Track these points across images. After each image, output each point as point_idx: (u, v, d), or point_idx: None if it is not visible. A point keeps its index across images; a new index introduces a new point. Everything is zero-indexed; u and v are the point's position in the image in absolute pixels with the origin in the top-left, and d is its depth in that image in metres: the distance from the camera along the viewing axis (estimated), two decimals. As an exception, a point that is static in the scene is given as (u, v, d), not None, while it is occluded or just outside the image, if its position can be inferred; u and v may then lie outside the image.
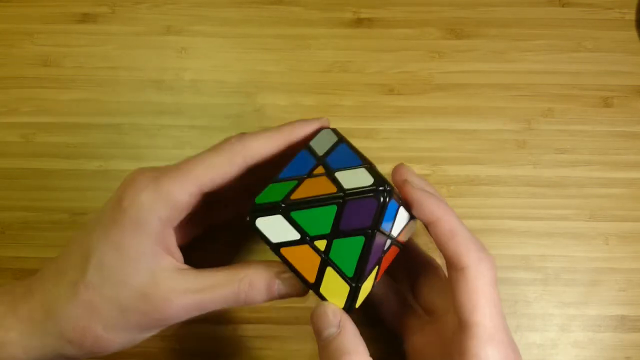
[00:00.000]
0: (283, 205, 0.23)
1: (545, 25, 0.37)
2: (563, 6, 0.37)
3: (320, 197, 0.23)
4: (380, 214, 0.23)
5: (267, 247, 0.24)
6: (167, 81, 0.36)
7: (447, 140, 0.35)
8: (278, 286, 0.24)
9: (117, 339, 0.24)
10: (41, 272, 0.25)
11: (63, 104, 0.36)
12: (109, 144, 0.35)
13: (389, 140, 0.35)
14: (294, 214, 0.23)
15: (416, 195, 0.24)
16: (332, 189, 0.23)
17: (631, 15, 0.37)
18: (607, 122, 0.35)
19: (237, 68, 0.36)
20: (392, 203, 0.23)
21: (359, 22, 0.37)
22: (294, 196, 0.24)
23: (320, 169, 0.24)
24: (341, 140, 0.25)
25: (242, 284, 0.24)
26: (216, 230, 0.32)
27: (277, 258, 0.24)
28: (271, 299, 0.24)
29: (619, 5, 0.37)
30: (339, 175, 0.24)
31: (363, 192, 0.23)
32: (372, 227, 0.23)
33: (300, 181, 0.24)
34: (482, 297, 0.23)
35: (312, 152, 0.25)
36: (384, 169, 0.34)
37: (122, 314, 0.23)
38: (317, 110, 0.36)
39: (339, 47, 0.37)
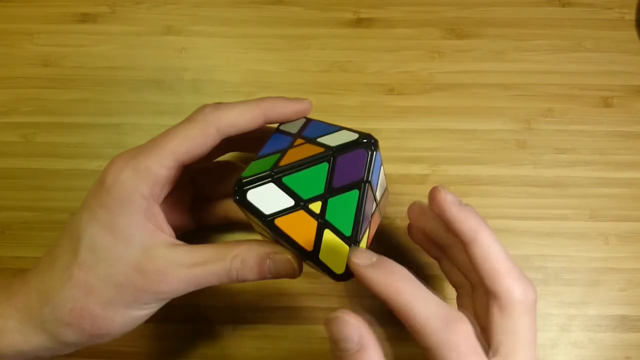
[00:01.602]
0: (274, 172, 0.23)
1: (545, 25, 0.37)
2: (563, 6, 0.37)
3: (310, 158, 0.23)
4: (370, 164, 0.23)
5: (256, 233, 0.24)
6: (167, 81, 0.36)
7: (447, 140, 0.35)
8: (269, 266, 0.24)
9: (116, 317, 0.23)
10: (36, 264, 0.25)
11: (63, 104, 0.36)
12: (109, 144, 0.35)
13: (389, 140, 0.35)
14: (286, 179, 0.23)
15: (455, 211, 0.24)
16: (320, 149, 0.23)
17: (631, 15, 0.37)
18: (607, 122, 0.35)
19: (237, 68, 0.36)
20: (378, 155, 0.24)
21: (359, 22, 0.37)
22: (282, 163, 0.23)
23: (300, 141, 0.24)
24: (310, 119, 0.26)
25: (234, 261, 0.24)
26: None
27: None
28: (263, 278, 0.24)
29: (619, 5, 0.37)
30: (322, 139, 0.24)
31: (351, 144, 0.23)
32: (365, 179, 0.23)
33: (283, 153, 0.24)
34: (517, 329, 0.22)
35: (285, 132, 0.25)
36: (384, 169, 0.35)
37: (118, 290, 0.23)
38: (317, 110, 0.35)
39: (339, 47, 0.37)
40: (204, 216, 0.31)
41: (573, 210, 0.34)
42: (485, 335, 0.23)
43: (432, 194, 0.25)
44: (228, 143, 0.27)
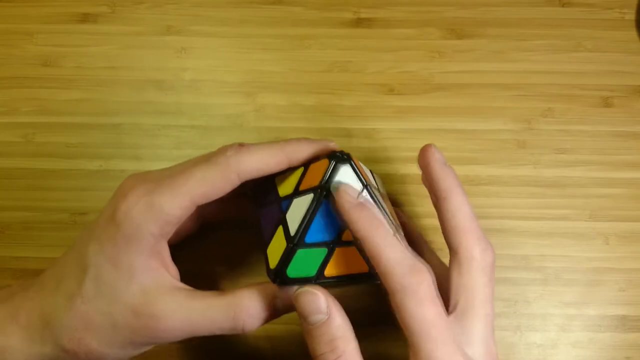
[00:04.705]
0: (316, 281, 0.24)
1: (545, 25, 0.37)
2: (563, 6, 0.37)
3: (353, 275, 0.24)
4: None
5: (261, 257, 0.25)
6: (167, 81, 0.36)
7: (447, 140, 0.35)
8: (277, 305, 0.24)
9: (110, 353, 0.24)
10: (40, 279, 0.25)
11: (63, 104, 0.36)
12: (109, 144, 0.35)
13: (389, 140, 0.35)
14: (326, 284, 0.24)
15: (438, 167, 0.25)
16: (364, 267, 0.24)
17: (631, 15, 0.37)
18: (607, 122, 0.35)
19: (237, 68, 0.36)
20: None
21: (359, 22, 0.37)
22: (328, 272, 0.24)
23: (348, 234, 0.24)
24: (363, 185, 0.24)
25: (240, 310, 0.23)
26: (206, 234, 0.32)
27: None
28: (269, 321, 0.24)
29: (619, 5, 0.37)
30: None
31: None
32: None
33: (330, 250, 0.24)
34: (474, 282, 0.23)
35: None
36: (384, 169, 0.35)
37: (114, 329, 0.23)
38: (317, 110, 0.36)
39: (339, 47, 0.37)
40: (208, 216, 0.31)
41: (573, 210, 0.34)
42: (447, 293, 0.24)
43: (423, 149, 0.26)
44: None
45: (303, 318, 0.23)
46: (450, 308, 0.23)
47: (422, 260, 0.23)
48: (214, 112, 0.36)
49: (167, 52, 0.37)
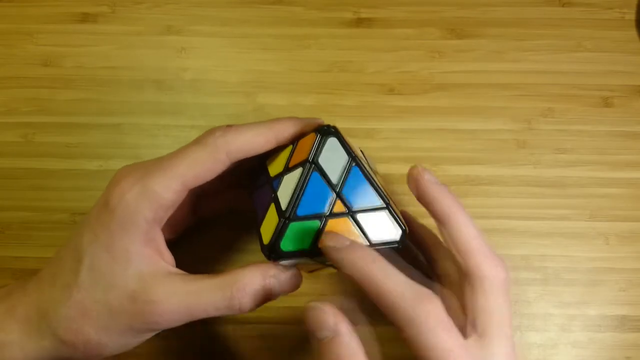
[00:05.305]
0: (311, 253, 0.24)
1: (545, 25, 0.37)
2: (563, 6, 0.37)
3: None
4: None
5: (257, 246, 0.25)
6: (167, 81, 0.36)
7: (447, 140, 0.35)
8: (273, 285, 0.24)
9: (109, 342, 0.24)
10: (37, 276, 0.25)
11: (63, 104, 0.36)
12: (109, 144, 0.35)
13: (389, 140, 0.35)
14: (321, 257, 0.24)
15: (431, 190, 0.24)
16: (357, 239, 0.24)
17: (631, 15, 0.37)
18: (607, 122, 0.35)
19: (237, 68, 0.36)
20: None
21: (359, 22, 0.37)
22: (322, 244, 0.24)
23: (339, 206, 0.24)
24: (350, 156, 0.24)
25: (236, 289, 0.23)
26: (205, 229, 0.32)
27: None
28: (265, 302, 0.24)
29: (619, 5, 0.37)
30: (362, 219, 0.24)
31: (389, 243, 0.24)
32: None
33: (322, 222, 0.24)
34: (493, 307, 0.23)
35: (324, 175, 0.24)
36: (384, 169, 0.35)
37: (111, 316, 0.23)
38: (317, 110, 0.36)
39: (339, 47, 0.37)
40: (205, 209, 0.31)
41: (573, 210, 0.34)
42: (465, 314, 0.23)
43: (411, 172, 0.25)
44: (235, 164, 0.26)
45: (311, 334, 0.22)
46: (468, 329, 0.23)
47: (424, 286, 0.22)
48: (214, 112, 0.36)
49: (167, 52, 0.37)
